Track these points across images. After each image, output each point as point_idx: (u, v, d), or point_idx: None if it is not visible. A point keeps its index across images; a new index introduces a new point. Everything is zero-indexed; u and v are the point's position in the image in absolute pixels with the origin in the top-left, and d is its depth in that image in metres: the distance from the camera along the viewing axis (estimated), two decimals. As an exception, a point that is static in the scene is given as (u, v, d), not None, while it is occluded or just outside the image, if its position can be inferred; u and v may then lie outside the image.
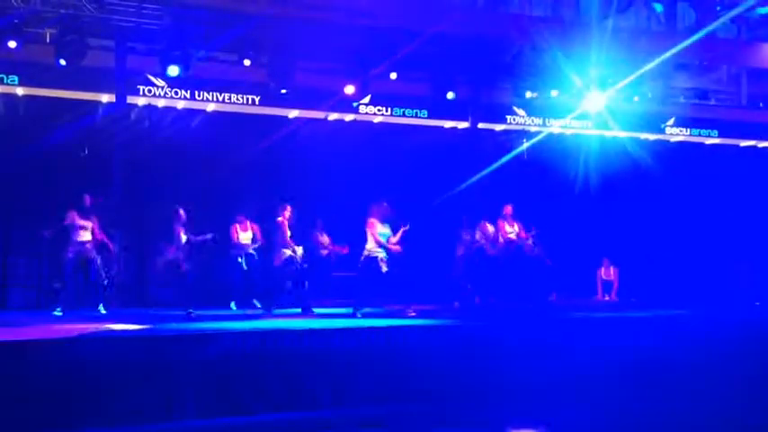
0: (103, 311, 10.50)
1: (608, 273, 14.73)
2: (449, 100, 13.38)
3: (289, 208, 11.30)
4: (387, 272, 10.28)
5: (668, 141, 16.03)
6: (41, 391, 6.64)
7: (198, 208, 11.38)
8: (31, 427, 6.46)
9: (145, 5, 11.49)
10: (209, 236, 10.75)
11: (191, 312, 10.16)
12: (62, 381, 6.79)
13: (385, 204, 10.52)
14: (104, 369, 7.00)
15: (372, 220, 10.41)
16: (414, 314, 10.41)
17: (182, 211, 10.65)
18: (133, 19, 11.48)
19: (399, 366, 8.05)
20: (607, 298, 14.58)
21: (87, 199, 10.59)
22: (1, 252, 12.03)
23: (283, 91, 12.35)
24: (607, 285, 14.73)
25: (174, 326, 8.70)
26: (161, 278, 11.54)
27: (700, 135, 16.23)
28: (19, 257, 12.06)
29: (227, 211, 11.92)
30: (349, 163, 13.48)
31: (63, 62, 10.90)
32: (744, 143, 16.69)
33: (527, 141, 14.94)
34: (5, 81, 11.66)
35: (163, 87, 12.36)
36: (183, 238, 10.57)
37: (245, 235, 11.64)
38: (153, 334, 8.02)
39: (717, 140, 16.38)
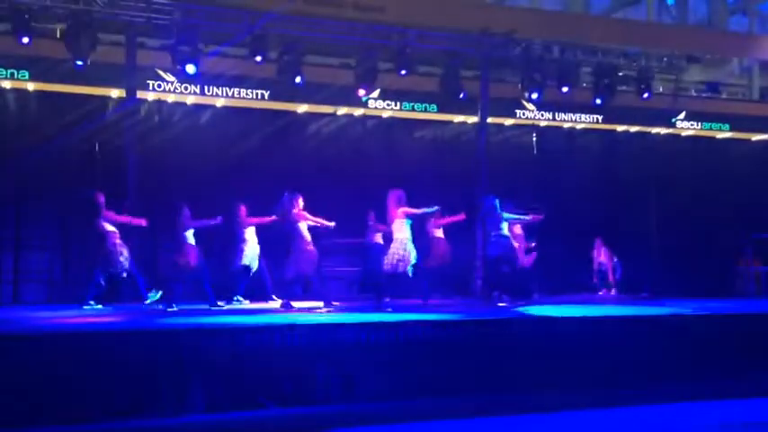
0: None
1: (599, 253, 14.31)
2: (458, 95, 13.29)
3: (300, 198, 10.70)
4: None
5: (679, 136, 15.97)
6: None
7: (205, 203, 11.37)
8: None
9: (155, 0, 11.49)
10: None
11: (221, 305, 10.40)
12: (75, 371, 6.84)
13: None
14: (112, 362, 7.02)
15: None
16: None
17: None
18: (143, 14, 11.48)
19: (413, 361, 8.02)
20: (602, 292, 14.25)
21: None
22: (13, 247, 12.07)
23: (297, 79, 12.18)
24: (602, 269, 14.26)
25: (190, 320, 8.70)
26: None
27: (711, 129, 16.14)
28: (31, 252, 12.08)
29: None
30: (358, 158, 13.48)
31: (80, 62, 10.92)
32: (755, 137, 16.58)
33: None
34: (16, 76, 11.72)
35: (172, 83, 12.38)
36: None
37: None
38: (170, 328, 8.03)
39: (728, 134, 16.28)
